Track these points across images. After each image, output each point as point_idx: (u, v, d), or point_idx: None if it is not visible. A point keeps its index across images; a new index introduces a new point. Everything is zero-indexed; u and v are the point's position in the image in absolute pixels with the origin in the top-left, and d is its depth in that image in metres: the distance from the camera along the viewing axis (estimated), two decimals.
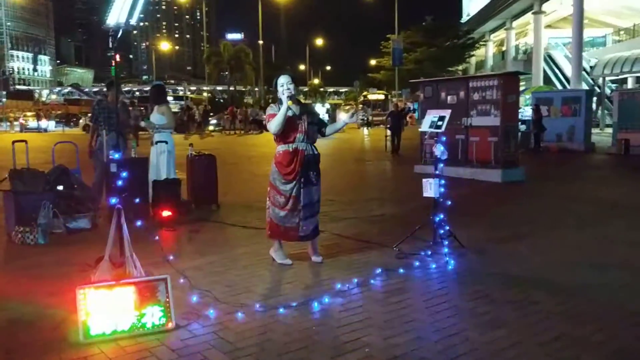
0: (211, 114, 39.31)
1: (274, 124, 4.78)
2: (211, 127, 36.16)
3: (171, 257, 4.74)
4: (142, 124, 7.65)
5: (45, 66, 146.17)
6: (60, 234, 6.06)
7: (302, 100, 5.36)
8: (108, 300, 3.39)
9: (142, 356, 3.18)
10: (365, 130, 30.51)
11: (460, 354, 3.20)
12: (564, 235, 6.21)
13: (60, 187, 6.42)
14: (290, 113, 4.80)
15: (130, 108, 15.94)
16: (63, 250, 5.53)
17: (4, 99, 48.70)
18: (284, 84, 4.83)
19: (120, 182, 3.86)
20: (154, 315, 3.48)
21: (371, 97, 51.46)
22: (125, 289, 3.46)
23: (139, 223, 4.06)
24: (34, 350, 3.25)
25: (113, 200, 3.73)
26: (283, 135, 4.83)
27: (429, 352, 3.22)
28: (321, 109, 32.12)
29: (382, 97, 50.11)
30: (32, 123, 39.82)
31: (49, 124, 40.77)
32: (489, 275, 4.68)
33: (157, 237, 4.65)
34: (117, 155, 3.93)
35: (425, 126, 5.74)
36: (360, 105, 43.86)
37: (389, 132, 18.03)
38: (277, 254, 5.08)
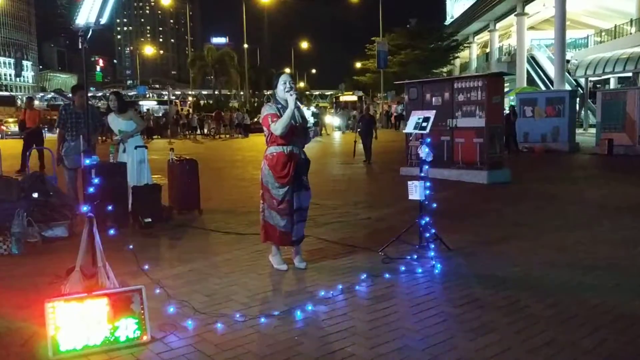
0: (205, 115, 39.08)
1: (281, 125, 4.54)
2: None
3: (146, 267, 4.56)
4: (116, 138, 7.43)
5: (27, 72, 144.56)
6: (36, 243, 5.85)
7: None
8: (79, 313, 3.22)
9: None
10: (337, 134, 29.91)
11: None
12: (552, 236, 6.12)
13: (36, 195, 6.22)
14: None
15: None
16: (37, 260, 5.32)
17: None
18: (286, 81, 4.68)
19: (92, 189, 3.70)
20: (128, 327, 3.31)
21: (343, 98, 50.86)
22: (97, 300, 3.28)
23: (111, 231, 3.88)
24: None
25: (84, 208, 3.56)
26: (279, 136, 4.63)
27: None
28: (306, 113, 31.74)
29: (355, 98, 49.05)
30: (14, 129, 39.15)
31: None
32: (477, 279, 4.57)
33: (131, 246, 4.48)
34: (87, 161, 3.75)
35: (409, 127, 5.62)
36: (332, 107, 42.89)
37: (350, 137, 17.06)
38: (274, 259, 4.94)
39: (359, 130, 16.00)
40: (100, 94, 77.69)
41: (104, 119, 7.84)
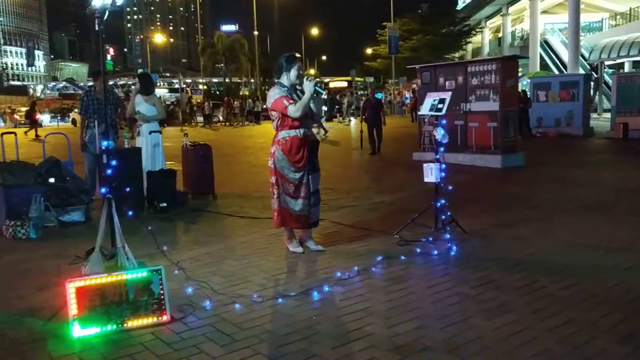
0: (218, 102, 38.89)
1: (302, 107, 4.52)
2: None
3: (165, 248, 4.61)
4: (136, 116, 7.49)
5: (39, 61, 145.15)
6: (53, 228, 5.92)
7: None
8: (99, 293, 3.26)
9: (136, 351, 3.05)
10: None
11: (466, 341, 3.08)
12: (568, 219, 6.09)
13: (52, 180, 6.27)
14: (295, 97, 4.65)
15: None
16: (55, 243, 5.39)
17: None
18: (301, 65, 4.70)
19: (110, 172, 3.72)
20: (147, 308, 3.35)
21: (333, 84, 49.50)
22: (118, 281, 3.32)
23: (130, 213, 3.92)
24: (24, 347, 3.12)
25: (103, 190, 3.59)
26: (292, 119, 4.61)
27: (434, 341, 3.10)
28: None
29: (344, 84, 47.18)
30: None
31: (43, 119, 40.47)
32: (493, 261, 4.56)
33: (150, 228, 4.51)
34: (105, 143, 3.77)
35: (425, 109, 5.59)
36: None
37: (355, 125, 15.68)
38: (289, 242, 4.95)
39: (364, 117, 14.20)
40: (111, 82, 77.85)
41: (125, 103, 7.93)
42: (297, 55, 4.85)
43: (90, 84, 8.26)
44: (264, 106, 37.03)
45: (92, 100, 7.16)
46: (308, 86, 4.56)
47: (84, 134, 7.22)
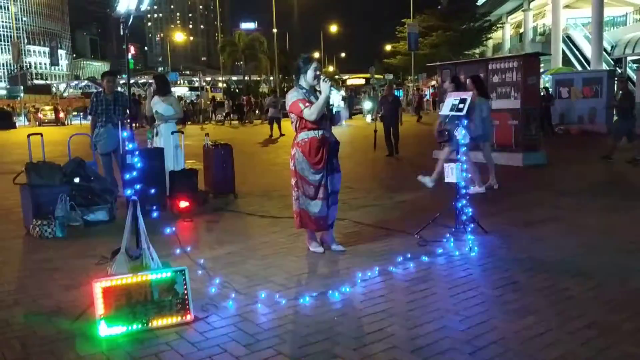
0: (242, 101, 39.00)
1: (317, 110, 4.52)
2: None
3: (189, 249, 4.67)
4: (155, 116, 7.59)
5: (62, 60, 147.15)
6: (78, 227, 6.04)
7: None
8: (125, 293, 3.32)
9: (160, 350, 3.11)
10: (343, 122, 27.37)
11: (488, 343, 3.08)
12: (591, 219, 6.02)
13: (77, 180, 6.39)
14: (313, 98, 4.67)
15: (143, 103, 15.88)
16: (81, 242, 5.50)
17: (22, 94, 49.25)
18: (317, 68, 4.71)
19: (135, 173, 3.78)
20: (172, 307, 3.41)
21: (350, 82, 48.87)
22: (143, 281, 3.38)
23: (155, 214, 3.98)
24: (51, 345, 3.20)
25: (127, 192, 3.65)
26: (311, 121, 4.63)
27: (456, 342, 3.11)
28: (336, 96, 31.00)
29: (362, 81, 46.59)
30: (50, 117, 40.19)
31: (67, 118, 41.12)
32: (515, 261, 4.54)
33: (174, 229, 4.58)
34: (130, 145, 3.84)
35: (445, 110, 5.58)
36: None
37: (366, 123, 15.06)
38: (310, 242, 4.99)
39: (379, 115, 13.27)
40: (131, 81, 78.56)
41: (142, 105, 8.09)
42: (314, 56, 4.87)
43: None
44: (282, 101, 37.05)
45: (101, 101, 7.32)
46: (324, 88, 4.57)
47: (93, 133, 7.43)
